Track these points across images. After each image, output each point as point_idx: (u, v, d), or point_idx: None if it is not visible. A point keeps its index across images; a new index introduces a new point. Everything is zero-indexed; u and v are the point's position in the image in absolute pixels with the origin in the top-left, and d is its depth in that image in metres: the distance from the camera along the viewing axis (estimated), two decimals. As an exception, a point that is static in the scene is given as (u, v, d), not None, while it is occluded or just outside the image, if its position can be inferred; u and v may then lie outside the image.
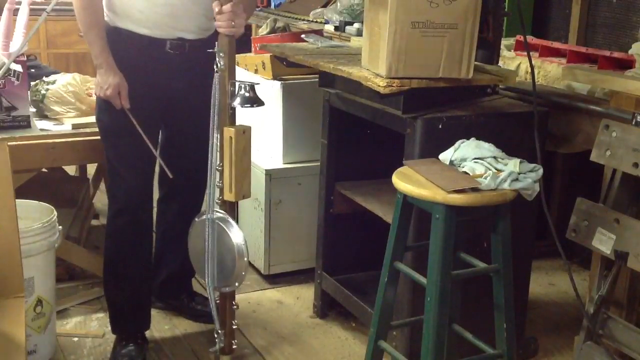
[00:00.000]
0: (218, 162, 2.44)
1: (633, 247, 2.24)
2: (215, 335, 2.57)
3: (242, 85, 2.40)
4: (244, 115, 2.98)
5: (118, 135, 2.54)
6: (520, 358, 2.68)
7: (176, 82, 2.57)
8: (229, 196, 2.43)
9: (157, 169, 2.76)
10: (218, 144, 2.42)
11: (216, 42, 2.39)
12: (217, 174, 2.46)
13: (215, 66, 2.38)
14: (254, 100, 2.42)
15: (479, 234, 2.32)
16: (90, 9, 2.45)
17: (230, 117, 2.43)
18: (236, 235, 2.43)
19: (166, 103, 2.61)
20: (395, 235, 2.18)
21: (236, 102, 2.40)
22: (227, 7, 2.33)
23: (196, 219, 2.55)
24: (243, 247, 2.42)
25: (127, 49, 2.51)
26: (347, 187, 2.88)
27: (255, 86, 2.42)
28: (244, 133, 2.41)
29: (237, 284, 2.50)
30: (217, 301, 2.55)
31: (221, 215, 2.45)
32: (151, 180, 2.68)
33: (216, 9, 2.34)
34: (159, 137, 2.76)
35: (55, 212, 2.63)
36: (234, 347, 2.61)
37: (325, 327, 2.99)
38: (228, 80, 2.39)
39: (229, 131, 2.39)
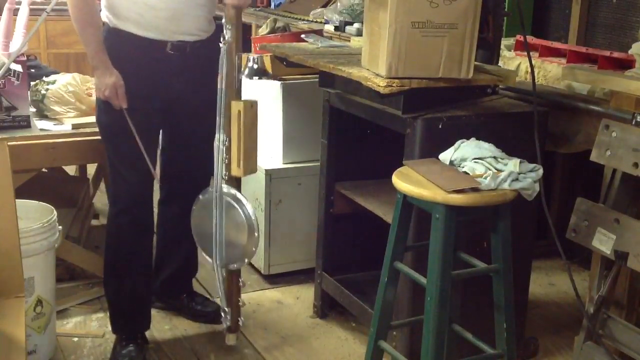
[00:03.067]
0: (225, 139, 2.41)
1: (633, 247, 2.24)
2: (222, 314, 2.56)
3: (251, 57, 2.36)
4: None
5: (118, 136, 2.53)
6: (520, 358, 2.68)
7: (177, 83, 2.57)
8: (236, 171, 2.40)
9: (158, 169, 2.76)
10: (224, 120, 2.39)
11: (223, 19, 2.35)
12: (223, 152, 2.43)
13: (222, 39, 2.36)
14: (262, 72, 2.40)
15: (479, 234, 2.32)
16: (84, 8, 2.43)
17: (237, 91, 2.40)
18: (247, 210, 2.40)
19: (167, 104, 2.61)
20: (395, 235, 2.18)
21: (245, 74, 2.36)
22: None
23: (200, 196, 2.53)
24: (254, 223, 2.39)
25: (127, 50, 2.50)
26: (347, 187, 2.88)
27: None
28: (252, 107, 2.39)
29: (246, 260, 2.48)
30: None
31: (230, 191, 2.43)
32: (152, 180, 2.68)
33: None
34: (160, 138, 2.75)
35: (55, 212, 2.63)
36: (240, 325, 2.59)
37: (325, 327, 2.99)
38: (235, 53, 2.36)
39: (237, 105, 2.35)
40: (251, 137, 2.38)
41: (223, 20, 2.34)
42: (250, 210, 2.40)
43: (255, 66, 2.36)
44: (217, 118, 2.40)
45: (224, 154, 2.41)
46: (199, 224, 2.55)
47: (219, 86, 2.37)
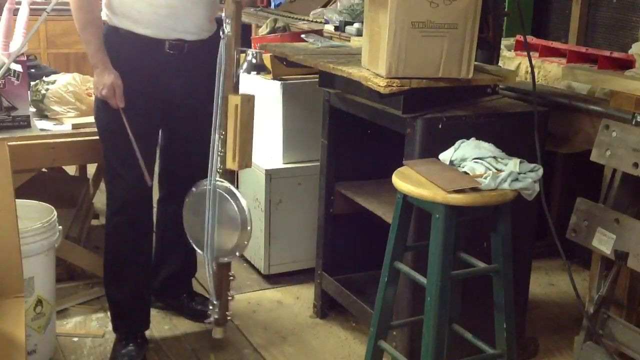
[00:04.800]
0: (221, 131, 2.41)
1: (633, 247, 2.24)
2: (210, 307, 2.56)
3: (251, 52, 2.37)
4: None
5: (116, 135, 2.53)
6: (520, 358, 2.68)
7: (175, 83, 2.57)
8: (231, 165, 2.41)
9: (156, 169, 2.76)
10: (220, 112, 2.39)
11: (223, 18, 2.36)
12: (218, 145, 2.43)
13: (221, 33, 2.36)
14: (261, 68, 2.40)
15: (479, 234, 2.32)
16: (86, 7, 2.44)
17: (234, 85, 2.40)
18: (240, 204, 2.40)
19: (165, 104, 2.61)
20: (395, 235, 2.18)
21: (243, 69, 2.37)
22: None
23: (194, 189, 2.53)
24: (247, 216, 2.39)
25: (126, 49, 2.50)
26: (347, 187, 2.88)
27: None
28: (249, 101, 2.39)
29: (237, 254, 2.48)
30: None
31: (224, 184, 2.43)
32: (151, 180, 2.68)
33: None
34: (159, 137, 2.75)
35: (55, 212, 2.63)
36: (228, 318, 2.60)
37: (325, 327, 2.99)
38: (234, 47, 2.36)
39: (235, 99, 2.36)
40: (247, 132, 2.39)
41: (223, 15, 2.35)
42: (244, 203, 2.40)
43: (254, 61, 2.36)
44: (214, 110, 2.40)
45: (219, 148, 2.41)
46: (192, 216, 2.55)
47: (216, 79, 2.37)
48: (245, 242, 2.43)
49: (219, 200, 2.42)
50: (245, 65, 2.36)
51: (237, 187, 2.48)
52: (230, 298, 2.59)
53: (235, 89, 2.41)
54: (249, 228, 2.40)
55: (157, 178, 2.84)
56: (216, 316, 2.57)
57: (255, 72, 2.37)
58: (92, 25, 2.46)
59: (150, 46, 2.51)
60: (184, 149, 2.74)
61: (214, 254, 2.47)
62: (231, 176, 2.46)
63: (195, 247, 2.58)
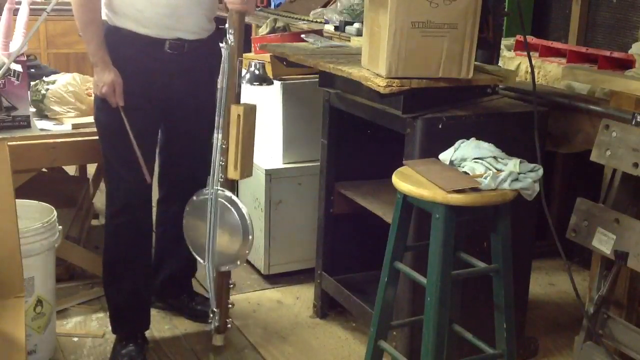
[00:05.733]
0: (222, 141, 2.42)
1: (633, 247, 2.24)
2: (211, 315, 2.57)
3: (253, 63, 2.39)
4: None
5: (116, 135, 2.53)
6: (520, 358, 2.68)
7: (175, 83, 2.57)
8: (233, 174, 2.42)
9: (156, 168, 2.76)
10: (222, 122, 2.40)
11: (225, 27, 2.36)
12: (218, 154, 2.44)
13: (224, 43, 2.36)
14: (263, 79, 2.42)
15: (479, 234, 2.32)
16: (87, 6, 2.44)
17: (236, 95, 2.42)
18: (242, 213, 2.41)
19: (165, 103, 2.61)
20: (395, 235, 2.18)
21: (246, 79, 2.38)
22: None
23: (194, 198, 2.53)
24: (249, 226, 2.40)
25: (126, 48, 2.51)
26: (347, 187, 2.88)
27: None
28: (252, 111, 2.40)
29: (239, 263, 2.48)
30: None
31: (225, 193, 2.43)
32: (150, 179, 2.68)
33: None
34: (159, 137, 2.75)
35: (55, 212, 2.63)
36: (228, 326, 2.60)
37: (325, 327, 2.99)
38: (237, 57, 2.37)
39: (237, 109, 2.37)
40: (249, 141, 2.41)
41: (226, 25, 2.35)
42: (245, 212, 2.41)
43: (257, 72, 2.38)
44: (217, 119, 2.41)
45: (221, 157, 2.42)
46: (192, 225, 2.56)
47: (219, 88, 2.38)
48: (247, 252, 2.45)
49: (220, 209, 2.43)
50: (247, 77, 2.37)
51: (237, 188, 2.48)
52: (230, 306, 2.59)
53: (237, 98, 2.42)
54: (250, 237, 2.42)
55: (156, 178, 2.84)
56: (216, 324, 2.57)
57: (257, 83, 2.38)
58: (93, 23, 2.46)
59: (151, 46, 2.51)
60: (184, 148, 2.74)
61: (215, 262, 2.48)
62: (232, 184, 2.47)
63: (195, 255, 2.58)
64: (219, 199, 2.43)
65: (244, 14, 2.38)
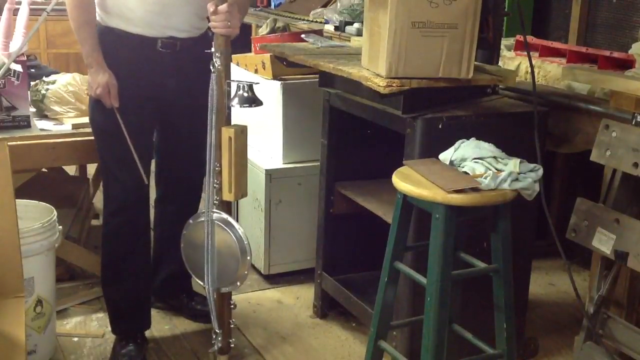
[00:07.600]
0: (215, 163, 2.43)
1: (633, 247, 2.24)
2: (213, 336, 2.57)
3: (240, 85, 2.40)
4: (243, 115, 2.98)
5: (112, 136, 2.53)
6: (520, 358, 2.68)
7: (168, 82, 2.57)
8: (228, 196, 2.43)
9: (153, 168, 2.75)
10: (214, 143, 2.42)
11: (212, 43, 2.38)
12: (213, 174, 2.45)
13: (212, 67, 2.38)
14: (252, 100, 2.43)
15: (479, 234, 2.32)
16: (82, 7, 2.44)
17: (226, 118, 2.43)
18: (238, 234, 2.42)
19: (159, 103, 2.61)
20: (395, 235, 2.18)
21: (235, 102, 2.40)
22: (222, 8, 2.33)
23: (191, 221, 2.54)
24: (246, 246, 2.41)
25: (118, 48, 2.51)
26: (347, 187, 2.88)
27: (254, 85, 2.42)
28: (242, 132, 2.41)
29: (238, 284, 2.49)
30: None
31: (221, 215, 2.45)
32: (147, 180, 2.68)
33: (211, 9, 2.34)
34: (154, 137, 2.75)
35: (55, 212, 2.63)
36: (231, 346, 2.61)
37: (325, 327, 2.99)
38: (225, 80, 2.39)
39: (228, 131, 2.38)
40: (242, 162, 2.42)
41: (212, 49, 2.36)
42: (242, 233, 2.42)
43: (246, 95, 2.40)
44: (208, 139, 2.42)
45: (214, 179, 2.43)
46: (190, 248, 2.56)
47: (209, 113, 2.39)
48: (246, 272, 2.45)
49: (217, 231, 2.43)
50: (236, 100, 2.39)
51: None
52: (232, 326, 2.60)
53: (228, 121, 2.43)
54: (248, 258, 2.42)
55: (153, 178, 2.84)
56: (219, 345, 2.57)
57: (247, 105, 2.39)
58: (87, 25, 2.46)
59: (143, 45, 2.51)
60: (180, 147, 2.74)
61: (215, 284, 2.48)
62: (227, 206, 2.48)
63: (195, 277, 2.58)
64: (215, 222, 2.44)
65: (229, 38, 2.39)
